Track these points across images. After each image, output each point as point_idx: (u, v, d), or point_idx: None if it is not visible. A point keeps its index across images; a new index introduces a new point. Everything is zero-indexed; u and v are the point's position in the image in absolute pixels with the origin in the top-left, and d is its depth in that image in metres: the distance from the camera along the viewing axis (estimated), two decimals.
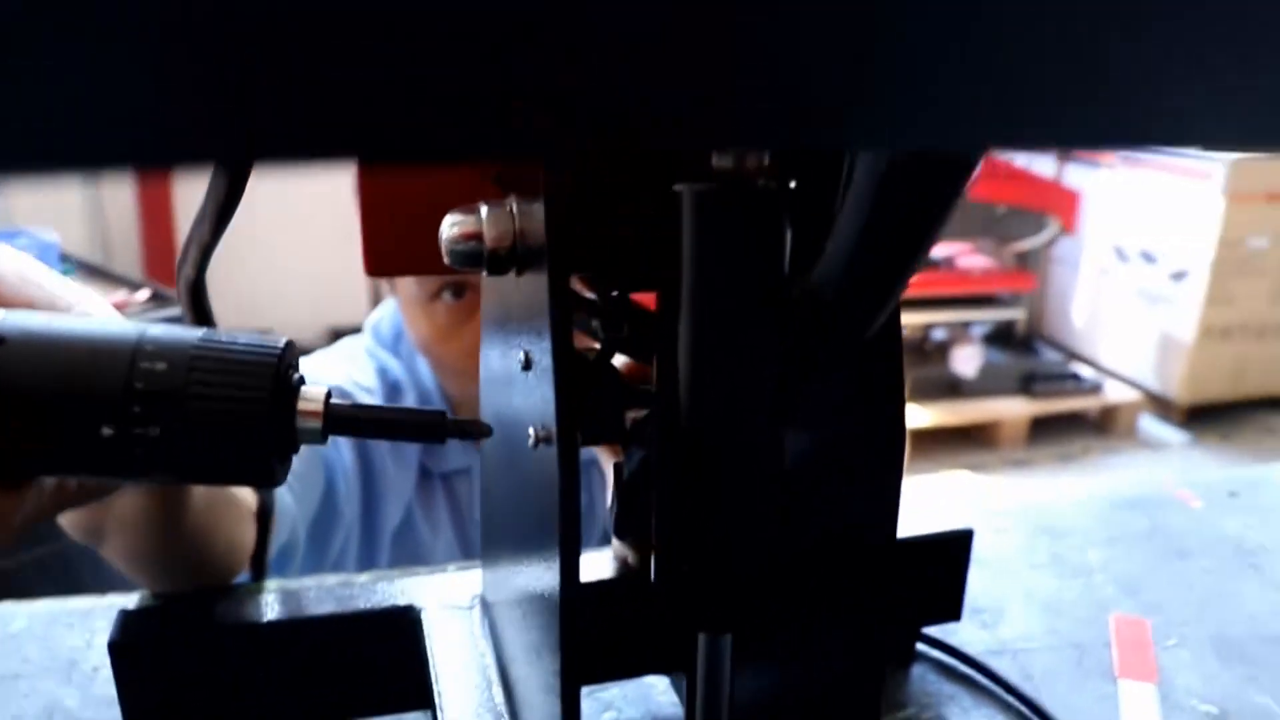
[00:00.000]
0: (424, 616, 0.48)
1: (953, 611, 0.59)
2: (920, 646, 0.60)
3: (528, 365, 0.30)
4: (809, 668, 0.35)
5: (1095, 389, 3.19)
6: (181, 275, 0.39)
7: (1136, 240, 3.23)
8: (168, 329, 0.33)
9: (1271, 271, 3.07)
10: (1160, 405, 3.23)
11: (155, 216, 3.13)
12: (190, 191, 2.97)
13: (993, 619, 0.64)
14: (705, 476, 0.27)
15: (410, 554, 0.88)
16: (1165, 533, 0.75)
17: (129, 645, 0.46)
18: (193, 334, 0.33)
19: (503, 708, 0.42)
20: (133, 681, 0.47)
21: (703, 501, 0.27)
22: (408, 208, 0.34)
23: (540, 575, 0.31)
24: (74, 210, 3.04)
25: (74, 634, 0.62)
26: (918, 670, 0.59)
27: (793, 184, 0.26)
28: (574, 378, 0.26)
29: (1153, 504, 0.80)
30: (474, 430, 0.35)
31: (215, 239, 0.38)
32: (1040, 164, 3.55)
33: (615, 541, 0.43)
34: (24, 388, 0.32)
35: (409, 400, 0.90)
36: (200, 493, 0.51)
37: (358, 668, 0.49)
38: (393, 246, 0.34)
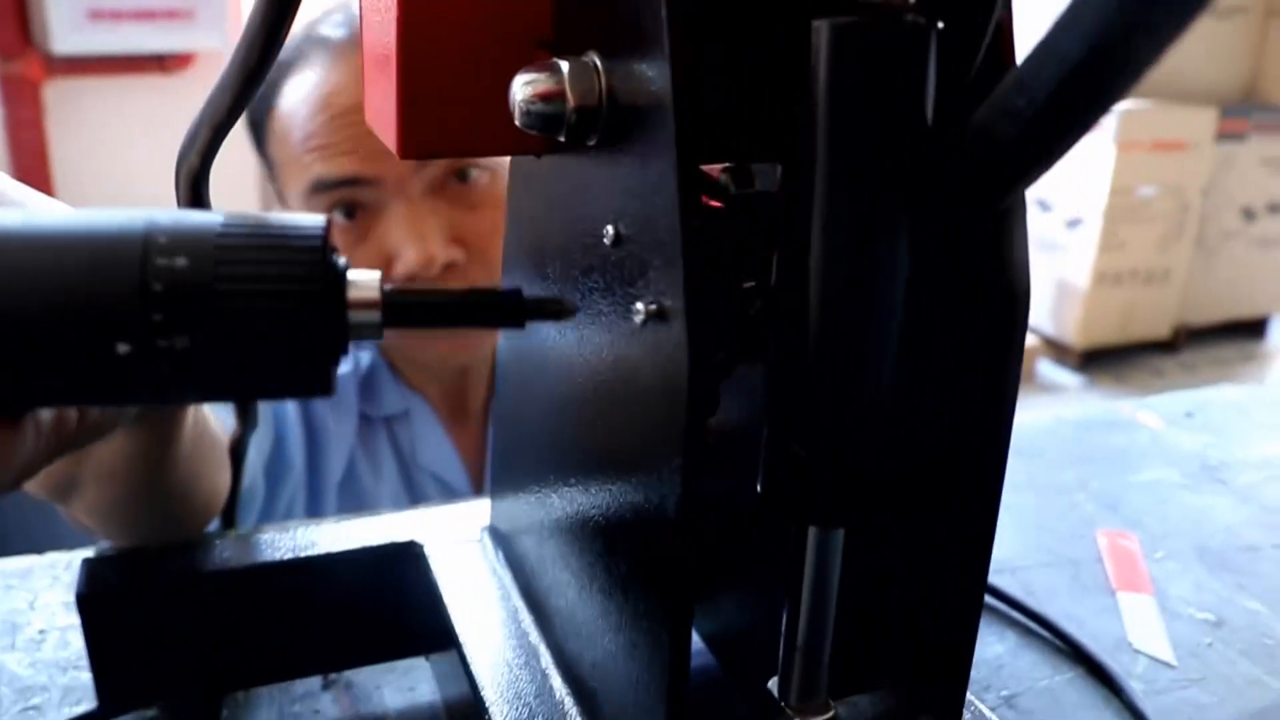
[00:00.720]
0: (427, 550, 0.44)
1: None
2: None
3: (618, 241, 0.27)
4: (909, 590, 0.33)
5: None
6: (184, 165, 0.34)
7: (1033, 189, 3.30)
8: (179, 215, 0.28)
9: (1159, 219, 3.18)
10: (1057, 350, 3.33)
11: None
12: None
13: None
14: (831, 357, 0.25)
15: (356, 503, 0.85)
16: (1132, 452, 0.76)
17: (99, 595, 0.42)
18: (212, 218, 0.28)
19: (538, 640, 0.39)
20: (105, 636, 0.42)
21: (826, 380, 0.25)
22: (454, 71, 0.29)
23: (630, 496, 0.28)
24: None
25: (14, 596, 0.56)
26: None
27: (941, 25, 0.23)
28: (701, 243, 0.23)
29: (1116, 425, 0.80)
30: (558, 308, 0.30)
31: (233, 118, 0.33)
32: None
33: None
34: (11, 306, 0.26)
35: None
36: (189, 433, 0.46)
37: (357, 613, 0.45)
38: (437, 119, 0.30)
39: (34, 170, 2.76)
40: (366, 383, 0.86)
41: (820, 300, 0.24)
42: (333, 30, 0.79)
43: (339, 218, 0.77)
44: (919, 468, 0.30)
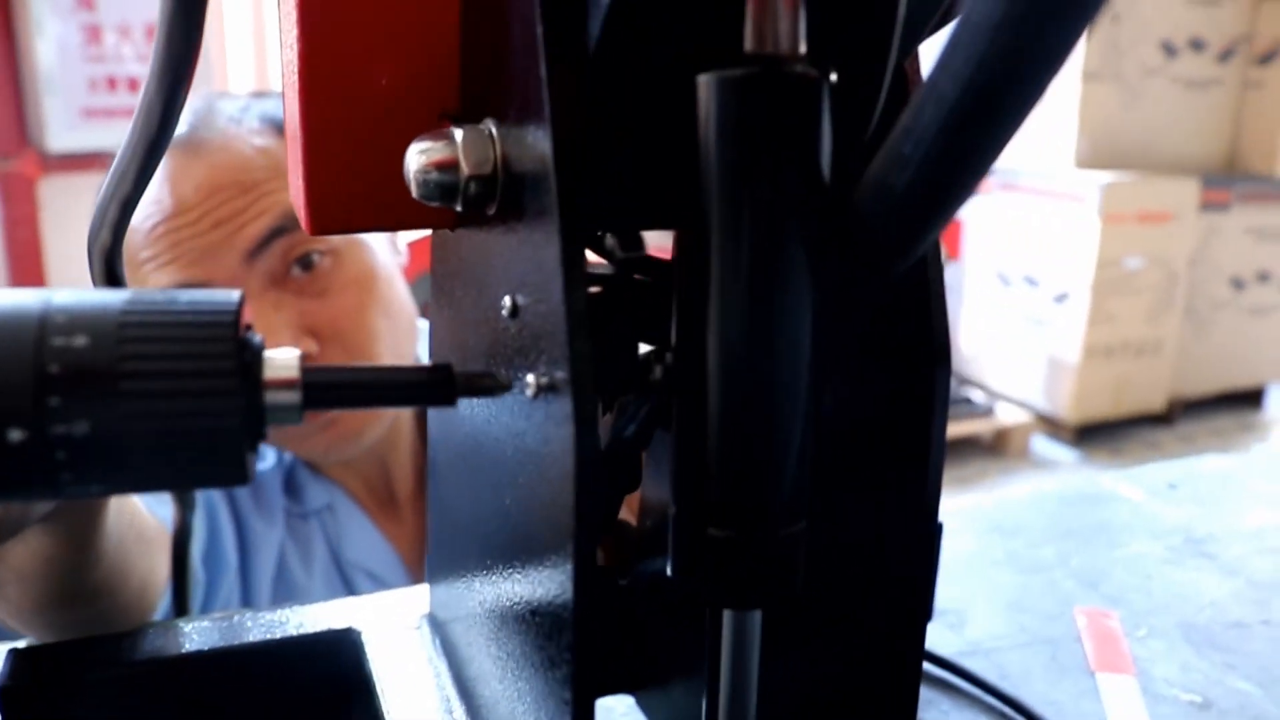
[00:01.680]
0: (364, 639, 0.43)
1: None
2: None
3: (515, 312, 0.26)
4: (839, 664, 0.31)
5: (987, 412, 3.26)
6: (97, 242, 0.34)
7: (1018, 265, 3.33)
8: (78, 293, 0.26)
9: (1147, 290, 3.19)
10: (1050, 425, 3.31)
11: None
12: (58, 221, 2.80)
13: (958, 620, 0.61)
14: (736, 424, 0.23)
15: (289, 599, 0.82)
16: (1114, 525, 0.74)
17: (23, 689, 0.40)
18: (116, 295, 0.26)
19: None
20: None
21: (733, 453, 0.23)
22: (361, 145, 0.29)
23: (535, 577, 0.27)
24: None
25: None
26: None
27: (833, 76, 0.22)
28: (587, 309, 0.22)
29: (1098, 499, 0.79)
30: (491, 384, 0.28)
31: (139, 190, 0.32)
32: None
33: None
34: None
35: (263, 448, 0.83)
36: (111, 528, 0.45)
37: (295, 704, 0.43)
38: (344, 195, 0.29)
39: (28, 265, 2.78)
40: (289, 478, 0.84)
41: (720, 366, 0.23)
42: (183, 124, 0.75)
43: None
44: (841, 540, 0.28)
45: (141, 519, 0.50)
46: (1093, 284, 3.09)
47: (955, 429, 3.18)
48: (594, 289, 0.28)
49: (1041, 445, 3.29)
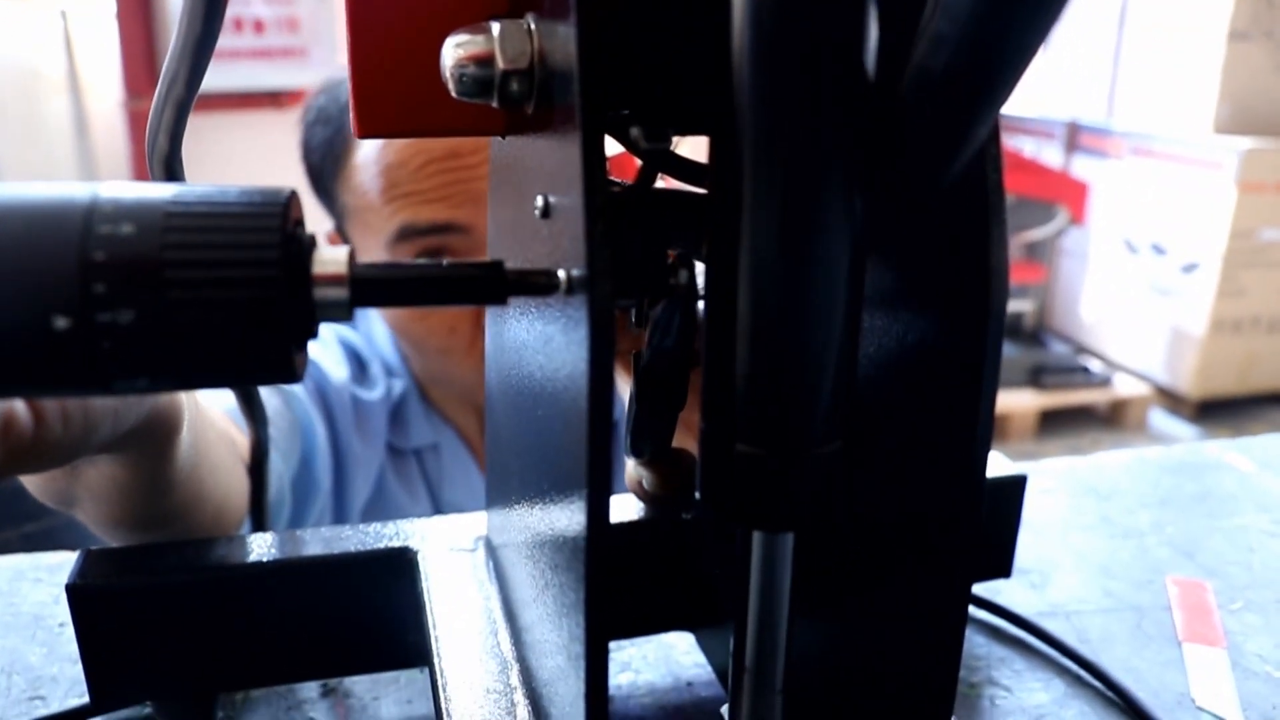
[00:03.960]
0: (420, 558, 0.43)
1: (1002, 568, 0.53)
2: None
3: (546, 212, 0.25)
4: (879, 623, 0.30)
5: (1105, 382, 3.14)
6: (155, 148, 0.34)
7: (1146, 232, 3.18)
8: (129, 185, 0.26)
9: None
10: (1170, 399, 3.17)
11: None
12: None
13: (1041, 580, 0.59)
14: (767, 337, 0.22)
15: None
16: (1217, 495, 0.70)
17: (89, 589, 0.41)
18: (166, 188, 0.25)
19: (510, 655, 0.37)
20: (93, 630, 0.41)
21: (763, 367, 0.22)
22: (407, 46, 0.28)
23: (562, 511, 0.26)
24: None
25: (40, 589, 0.56)
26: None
27: None
28: (606, 206, 0.21)
29: (1200, 467, 0.75)
30: (540, 281, 0.26)
31: (191, 92, 0.32)
32: (1048, 154, 3.50)
33: (630, 464, 0.37)
34: None
35: (376, 376, 0.83)
36: (184, 459, 0.45)
37: (349, 619, 0.44)
38: (391, 97, 0.29)
39: None
40: (396, 412, 0.85)
41: (751, 278, 0.21)
42: None
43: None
44: (885, 489, 0.27)
45: (218, 448, 0.51)
46: (1224, 255, 2.93)
47: (1070, 397, 3.08)
48: (617, 189, 0.27)
49: (1160, 420, 3.15)
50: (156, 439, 0.42)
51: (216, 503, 0.51)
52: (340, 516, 0.82)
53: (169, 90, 0.33)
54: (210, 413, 0.53)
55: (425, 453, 0.85)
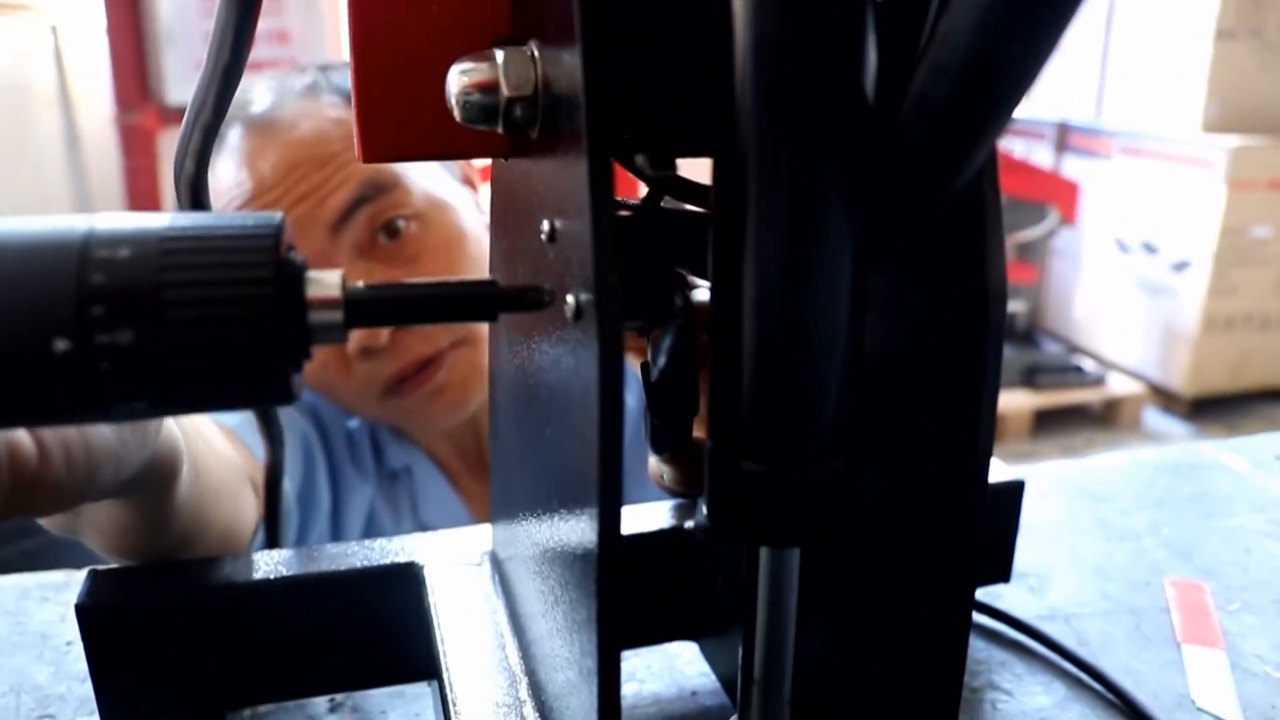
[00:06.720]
0: (426, 572, 0.43)
1: (1001, 573, 0.54)
2: None
3: (553, 236, 0.25)
4: (883, 628, 0.30)
5: (1098, 381, 3.15)
6: (183, 172, 0.34)
7: (1137, 231, 3.19)
8: (124, 215, 0.26)
9: (1274, 261, 3.03)
10: (1164, 397, 3.18)
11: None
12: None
13: (1040, 584, 0.59)
14: (770, 355, 0.23)
15: None
16: (1212, 496, 0.71)
17: (98, 609, 0.41)
18: (160, 217, 0.26)
19: (519, 669, 0.37)
20: (103, 650, 0.42)
21: (767, 385, 0.23)
22: (412, 73, 0.29)
23: (573, 528, 0.26)
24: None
25: (46, 608, 0.57)
26: None
27: None
28: (614, 229, 0.21)
29: (1196, 468, 0.75)
30: (531, 298, 0.27)
31: (219, 117, 0.32)
32: (1038, 154, 3.52)
33: (653, 458, 0.38)
34: None
35: (335, 434, 0.83)
36: (184, 498, 0.45)
37: (357, 634, 0.44)
38: (394, 122, 0.29)
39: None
40: (374, 438, 0.85)
41: (755, 297, 0.22)
42: (257, 105, 0.76)
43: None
44: (887, 490, 0.27)
45: (220, 475, 0.51)
46: (1215, 252, 2.94)
47: (1064, 397, 3.09)
48: (625, 213, 0.27)
49: (1154, 418, 3.16)
50: (158, 482, 0.42)
51: (222, 528, 0.51)
52: (339, 539, 0.83)
53: (197, 116, 0.33)
54: (210, 437, 0.54)
55: (401, 475, 0.85)
